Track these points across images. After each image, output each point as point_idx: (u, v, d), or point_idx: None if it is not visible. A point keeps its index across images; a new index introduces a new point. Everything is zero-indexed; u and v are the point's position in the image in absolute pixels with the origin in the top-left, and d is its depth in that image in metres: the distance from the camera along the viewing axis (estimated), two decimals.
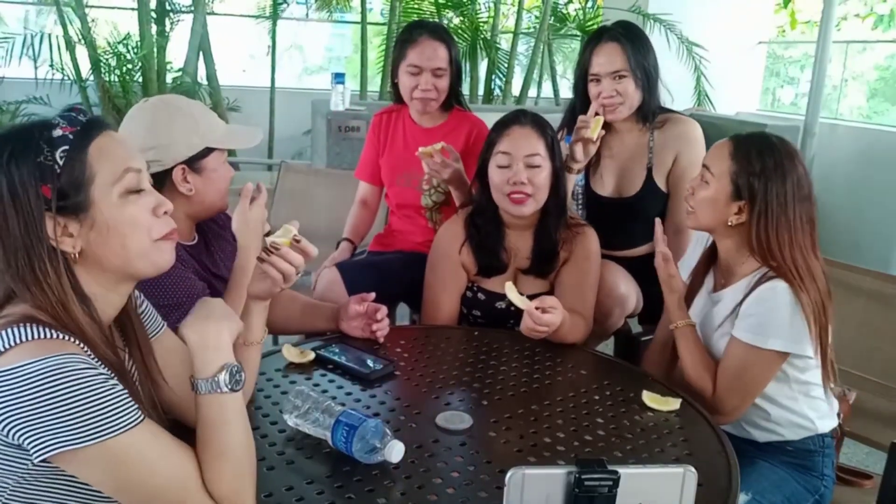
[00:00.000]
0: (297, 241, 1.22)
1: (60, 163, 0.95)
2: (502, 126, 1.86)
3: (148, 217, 1.02)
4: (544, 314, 1.64)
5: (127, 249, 1.00)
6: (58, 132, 0.96)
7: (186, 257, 1.56)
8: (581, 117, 2.00)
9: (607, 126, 2.18)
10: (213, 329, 1.04)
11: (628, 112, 2.13)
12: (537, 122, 1.86)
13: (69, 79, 5.59)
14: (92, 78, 5.60)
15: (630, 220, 2.23)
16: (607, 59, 2.09)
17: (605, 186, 2.20)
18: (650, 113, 2.16)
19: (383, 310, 1.71)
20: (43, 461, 0.87)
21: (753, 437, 1.60)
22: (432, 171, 2.08)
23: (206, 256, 1.64)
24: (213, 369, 1.01)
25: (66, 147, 0.96)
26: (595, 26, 6.64)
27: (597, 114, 2.03)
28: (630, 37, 2.11)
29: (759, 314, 1.48)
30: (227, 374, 1.01)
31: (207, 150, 1.52)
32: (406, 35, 2.31)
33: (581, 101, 2.18)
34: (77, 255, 0.97)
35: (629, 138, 2.19)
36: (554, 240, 1.88)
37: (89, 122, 1.00)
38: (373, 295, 1.73)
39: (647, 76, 2.10)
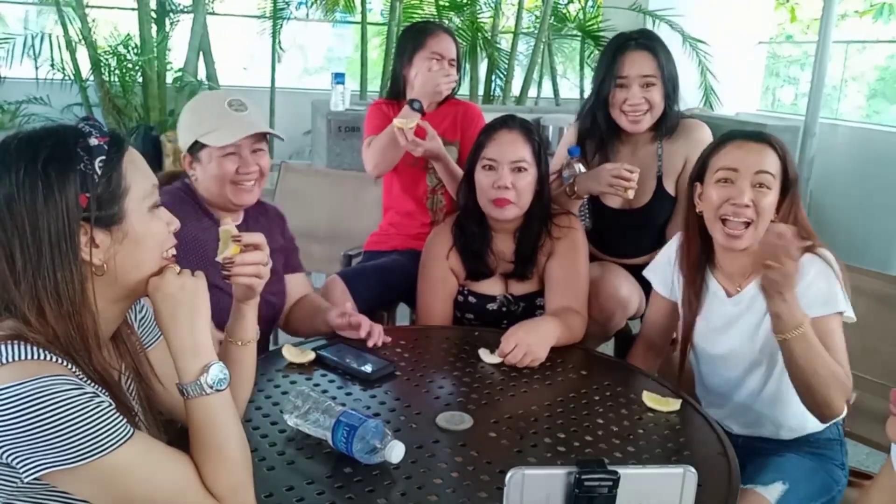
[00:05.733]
0: (240, 239, 1.20)
1: (99, 172, 0.94)
2: (490, 130, 1.87)
3: (165, 231, 1.04)
4: (525, 358, 1.61)
5: (144, 264, 1.00)
6: (94, 141, 0.95)
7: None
8: (625, 173, 1.92)
9: (618, 138, 2.17)
10: (186, 326, 1.01)
11: (650, 123, 2.09)
12: (525, 128, 1.87)
13: (69, 79, 5.59)
14: (92, 78, 5.60)
15: (639, 228, 2.21)
16: (639, 64, 2.04)
17: (615, 198, 2.14)
18: (671, 125, 2.11)
19: (364, 323, 1.70)
20: (33, 479, 0.87)
21: (781, 437, 1.59)
22: (405, 146, 2.10)
23: None
24: (195, 373, 1.00)
25: (104, 157, 0.95)
26: (595, 26, 6.64)
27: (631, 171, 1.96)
28: (660, 46, 2.08)
29: (815, 284, 1.45)
30: (209, 376, 1.00)
31: (201, 144, 1.65)
32: (422, 27, 2.42)
33: (603, 112, 2.12)
34: (105, 267, 0.96)
35: (639, 149, 2.18)
36: (533, 244, 1.89)
37: (115, 133, 0.99)
38: (349, 305, 1.75)
39: (673, 87, 2.07)
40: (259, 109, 1.75)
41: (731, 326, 1.59)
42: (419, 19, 6.50)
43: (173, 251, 1.06)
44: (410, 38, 2.36)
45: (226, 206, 1.72)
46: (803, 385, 1.43)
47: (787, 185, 1.51)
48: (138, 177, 0.99)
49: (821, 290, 1.46)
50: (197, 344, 1.02)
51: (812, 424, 1.56)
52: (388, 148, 2.20)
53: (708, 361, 1.66)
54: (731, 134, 1.57)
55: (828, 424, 1.56)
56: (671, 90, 2.08)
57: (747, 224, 1.48)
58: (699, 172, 1.58)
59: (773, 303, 1.38)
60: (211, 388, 1.00)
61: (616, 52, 2.09)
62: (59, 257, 0.92)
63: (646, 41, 2.08)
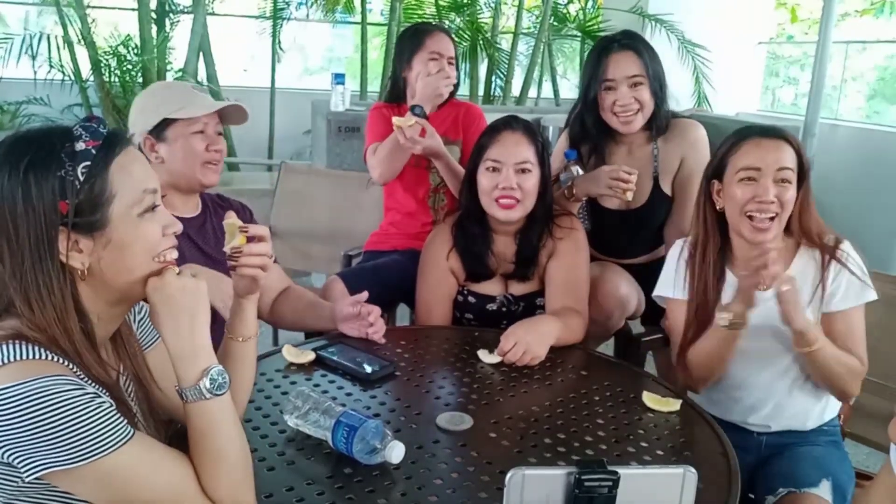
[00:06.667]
0: (246, 230, 1.20)
1: (81, 179, 0.93)
2: (493, 131, 1.87)
3: (157, 236, 1.01)
4: (525, 357, 1.62)
5: (132, 269, 0.98)
6: (80, 145, 0.94)
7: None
8: (624, 175, 1.94)
9: (613, 139, 2.17)
10: (186, 330, 1.00)
11: (642, 122, 2.09)
12: (528, 129, 1.87)
13: (70, 79, 5.59)
14: (92, 78, 5.60)
15: (637, 229, 2.22)
16: (624, 65, 2.05)
17: (613, 200, 2.14)
18: (661, 124, 2.12)
19: (375, 311, 1.71)
20: (34, 479, 0.87)
21: (805, 427, 1.63)
22: (405, 143, 2.09)
23: (198, 232, 1.67)
24: (194, 377, 0.99)
25: (88, 163, 0.93)
26: (595, 26, 6.65)
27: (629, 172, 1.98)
28: (643, 45, 2.09)
29: (851, 278, 1.56)
30: (209, 380, 0.99)
31: (167, 122, 1.66)
32: (421, 27, 2.43)
33: (592, 116, 2.14)
34: (85, 273, 0.96)
35: (634, 150, 2.18)
36: (535, 245, 1.89)
37: (111, 136, 0.97)
38: (365, 294, 1.74)
39: (660, 85, 2.08)
40: None
41: (774, 319, 1.57)
42: (419, 19, 6.50)
43: (173, 254, 1.04)
44: (408, 40, 2.36)
45: (190, 187, 1.73)
46: (824, 380, 1.57)
47: (802, 175, 1.57)
48: (128, 182, 0.96)
49: (855, 283, 1.56)
50: (197, 347, 1.00)
51: (829, 411, 1.64)
52: (393, 153, 2.20)
53: (748, 362, 1.64)
54: (747, 131, 1.61)
55: (837, 413, 1.68)
56: (658, 88, 2.08)
57: (772, 217, 1.55)
58: (717, 170, 1.62)
59: (796, 321, 1.46)
60: (210, 392, 0.99)
61: (600, 55, 2.10)
62: (40, 262, 0.92)
63: (628, 41, 2.09)
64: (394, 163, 2.24)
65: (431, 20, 6.60)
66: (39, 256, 0.92)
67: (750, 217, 1.55)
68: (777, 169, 1.53)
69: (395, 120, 2.07)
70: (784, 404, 1.63)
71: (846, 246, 1.58)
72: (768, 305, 1.58)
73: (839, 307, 1.56)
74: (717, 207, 1.62)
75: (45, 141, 0.94)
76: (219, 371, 1.01)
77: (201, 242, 1.72)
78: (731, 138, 1.62)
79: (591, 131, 2.15)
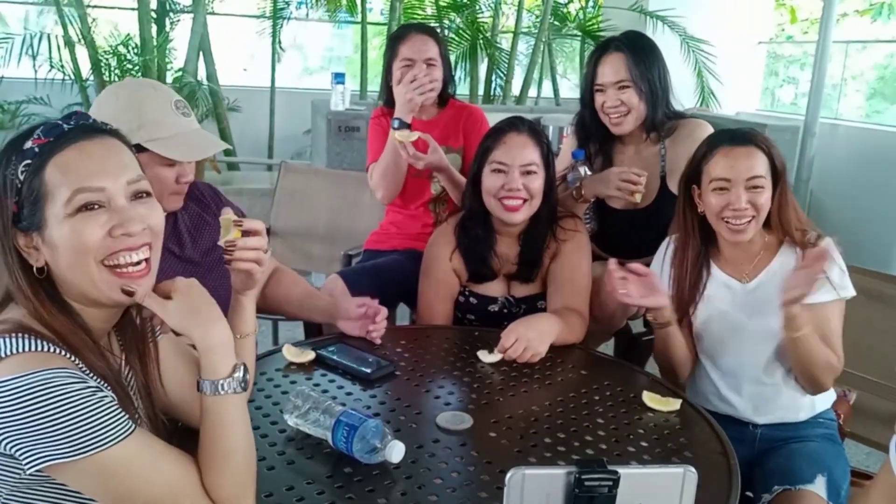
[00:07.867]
0: (241, 224, 1.20)
1: (21, 178, 0.93)
2: (498, 133, 1.86)
3: (95, 238, 0.94)
4: (525, 353, 1.63)
5: (76, 273, 0.96)
6: (28, 144, 0.94)
7: None
8: (633, 177, 1.99)
9: (620, 139, 2.18)
10: (217, 326, 1.01)
11: (634, 123, 2.11)
12: (533, 130, 1.86)
13: (70, 79, 5.59)
14: (92, 78, 5.60)
15: (644, 229, 2.22)
16: (611, 69, 2.08)
17: (620, 200, 2.15)
18: (655, 126, 2.14)
19: (383, 312, 1.72)
20: (35, 471, 0.87)
21: (798, 419, 1.65)
22: (407, 159, 2.10)
23: (170, 235, 1.56)
24: (227, 370, 1.00)
25: (28, 162, 0.93)
26: (595, 26, 6.64)
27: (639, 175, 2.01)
28: (634, 48, 2.09)
29: (829, 273, 1.55)
30: (241, 373, 1.01)
31: (140, 149, 1.36)
32: (397, 34, 2.40)
33: (590, 113, 2.18)
34: (45, 268, 0.96)
35: (642, 150, 2.18)
36: (539, 247, 1.88)
37: (68, 132, 0.95)
38: (376, 302, 1.74)
39: (651, 89, 2.08)
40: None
41: (757, 311, 1.63)
42: (419, 19, 6.50)
43: (129, 257, 0.97)
44: (388, 47, 2.37)
45: None
46: (802, 370, 1.58)
47: (777, 176, 1.60)
48: (62, 180, 0.93)
49: (832, 278, 1.56)
50: (228, 341, 1.02)
51: (820, 402, 1.65)
52: (390, 170, 2.21)
53: (732, 354, 1.67)
54: (718, 139, 1.64)
55: (831, 404, 1.69)
56: (650, 92, 2.08)
57: (748, 220, 1.58)
58: (695, 176, 1.66)
59: (794, 307, 1.49)
60: (241, 386, 1.01)
61: (594, 57, 2.15)
62: (7, 256, 0.95)
63: (622, 44, 2.10)
64: (393, 180, 2.25)
65: (431, 20, 6.61)
66: (5, 251, 0.95)
67: (727, 221, 1.59)
68: (748, 178, 1.57)
69: (398, 135, 2.07)
70: (771, 396, 1.64)
71: (826, 243, 1.61)
72: (746, 298, 1.64)
73: (813, 300, 1.56)
74: (699, 211, 1.66)
75: (13, 140, 0.96)
76: (245, 367, 1.03)
77: (175, 247, 1.60)
78: (703, 146, 1.66)
79: (592, 130, 2.18)
